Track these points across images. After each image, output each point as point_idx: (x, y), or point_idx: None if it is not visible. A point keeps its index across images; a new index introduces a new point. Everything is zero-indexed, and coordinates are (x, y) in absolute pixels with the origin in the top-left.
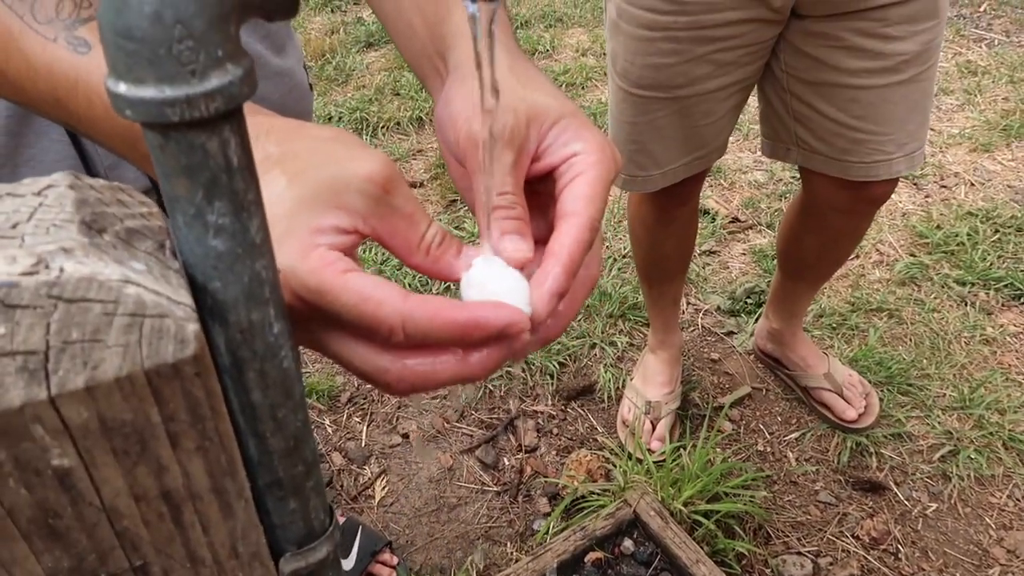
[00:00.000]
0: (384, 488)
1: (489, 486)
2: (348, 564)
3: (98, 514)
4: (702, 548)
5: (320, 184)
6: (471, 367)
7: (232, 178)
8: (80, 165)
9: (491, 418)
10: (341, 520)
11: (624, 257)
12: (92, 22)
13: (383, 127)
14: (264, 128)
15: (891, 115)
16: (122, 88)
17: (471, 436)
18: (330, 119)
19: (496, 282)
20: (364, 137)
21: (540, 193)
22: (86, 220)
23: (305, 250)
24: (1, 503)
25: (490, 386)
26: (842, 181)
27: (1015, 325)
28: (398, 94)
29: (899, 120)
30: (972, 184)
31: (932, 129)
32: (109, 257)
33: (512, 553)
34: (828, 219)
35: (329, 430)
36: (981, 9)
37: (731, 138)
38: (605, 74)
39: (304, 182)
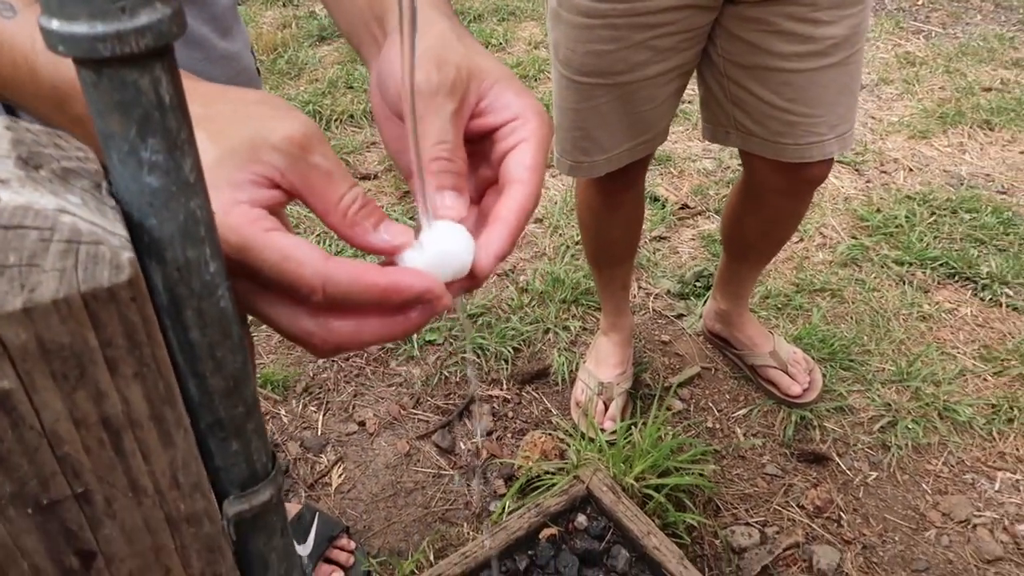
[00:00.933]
0: (341, 475)
1: (446, 470)
2: (305, 550)
3: (39, 439)
4: (653, 521)
5: (239, 141)
6: (393, 329)
7: (164, 116)
8: None
9: (447, 403)
10: (298, 507)
11: (576, 244)
12: None
13: (336, 120)
14: (188, 90)
15: (822, 97)
16: (55, 24)
17: (427, 422)
18: None
19: (444, 241)
20: None
21: (473, 151)
22: (22, 156)
23: (227, 206)
24: None
25: (445, 373)
26: (779, 163)
27: (950, 302)
28: (351, 87)
29: (830, 102)
30: (910, 169)
31: (872, 117)
32: (45, 189)
33: (469, 534)
34: (768, 201)
35: (285, 420)
36: (919, 3)
37: (680, 127)
38: None
39: (224, 139)
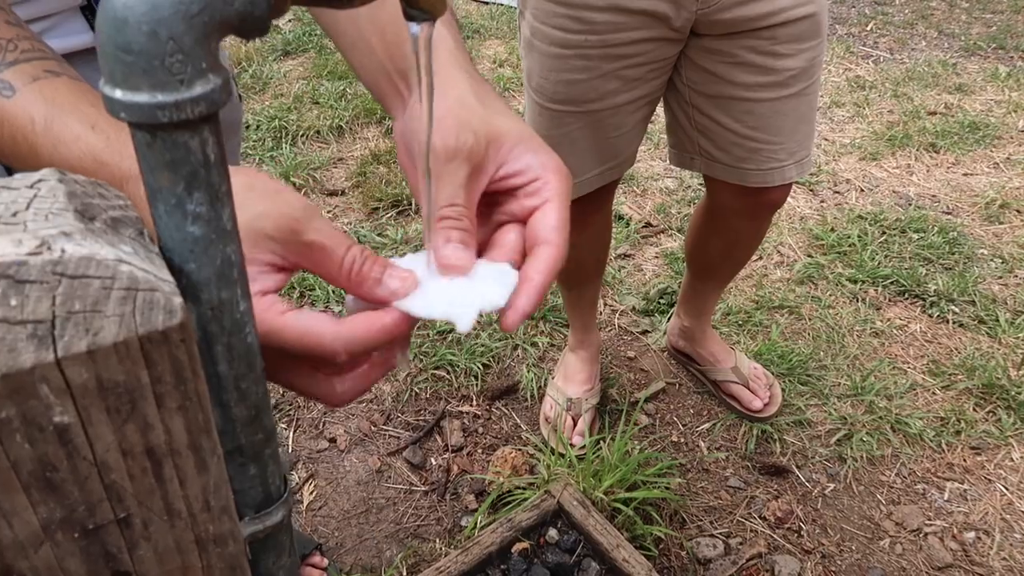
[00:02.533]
0: (312, 492)
1: (417, 486)
2: None
3: (90, 468)
4: (622, 534)
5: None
6: (392, 361)
7: (209, 171)
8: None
9: (417, 420)
10: None
11: None
12: (17, 66)
13: (303, 136)
14: None
15: (782, 126)
16: (118, 94)
17: (398, 438)
18: (248, 127)
19: (483, 279)
20: (284, 146)
21: (494, 203)
22: (79, 209)
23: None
24: (7, 456)
25: (416, 389)
26: (741, 187)
27: (900, 319)
28: (317, 103)
29: (789, 130)
30: (862, 190)
31: (826, 139)
32: (103, 240)
33: (441, 549)
34: (730, 223)
35: None
36: (868, 28)
37: (643, 147)
38: (522, 85)
39: None
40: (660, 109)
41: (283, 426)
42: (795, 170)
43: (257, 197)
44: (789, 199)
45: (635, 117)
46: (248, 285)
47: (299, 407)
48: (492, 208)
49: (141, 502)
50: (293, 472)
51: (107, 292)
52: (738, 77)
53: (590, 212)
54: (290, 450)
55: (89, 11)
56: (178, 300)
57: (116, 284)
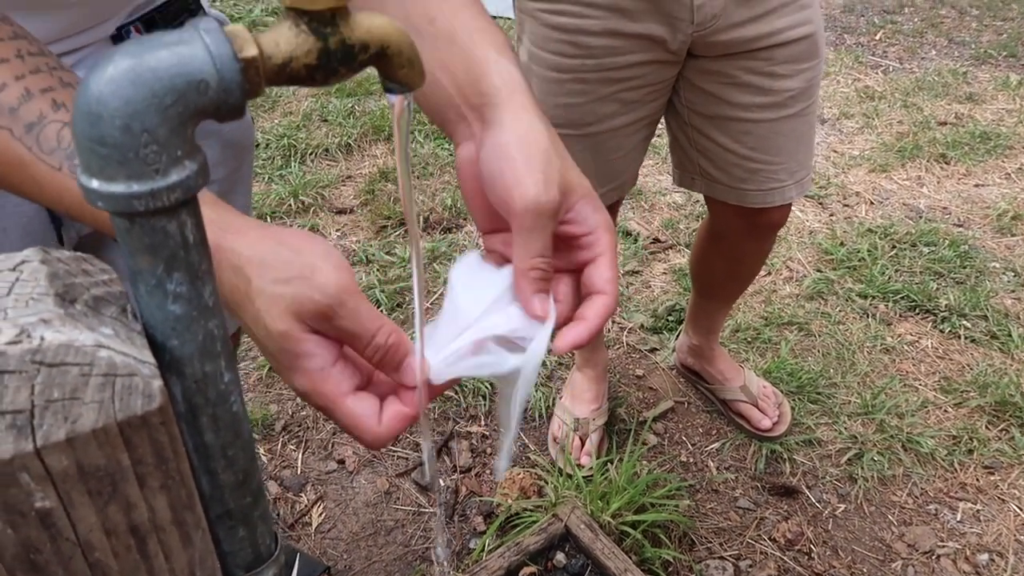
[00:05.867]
0: (321, 514)
1: (426, 507)
2: None
3: (73, 548)
4: (630, 557)
5: (278, 322)
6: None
7: (188, 253)
8: (41, 225)
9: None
10: None
11: None
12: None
13: (311, 154)
14: (235, 226)
15: (782, 146)
16: (95, 184)
17: (407, 459)
18: (258, 146)
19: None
20: (292, 164)
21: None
22: (59, 292)
23: (310, 378)
24: None
25: (424, 410)
26: (742, 208)
27: (911, 335)
28: (326, 120)
29: (789, 150)
30: (871, 203)
31: (835, 151)
32: (83, 324)
33: (449, 572)
34: (733, 243)
35: (264, 459)
36: (877, 38)
37: (651, 162)
38: None
39: (276, 314)
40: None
41: (292, 447)
42: (795, 190)
43: (295, 282)
44: (798, 212)
45: (634, 139)
46: (234, 358)
47: (308, 428)
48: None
49: None
50: (301, 494)
51: (86, 379)
52: (736, 98)
53: None
54: (299, 471)
55: (120, 41)
56: (157, 383)
57: (95, 370)
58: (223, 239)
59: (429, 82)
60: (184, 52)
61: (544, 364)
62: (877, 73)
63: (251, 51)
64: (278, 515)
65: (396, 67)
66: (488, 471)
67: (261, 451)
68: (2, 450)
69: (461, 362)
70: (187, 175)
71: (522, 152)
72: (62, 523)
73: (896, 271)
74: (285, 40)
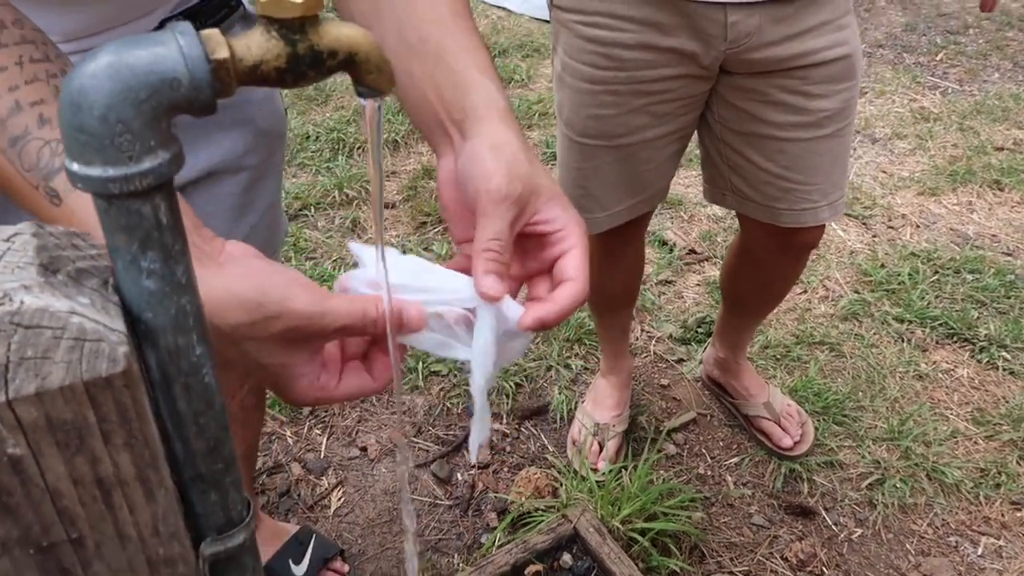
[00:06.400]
0: (340, 499)
1: (441, 500)
2: (300, 570)
3: (42, 494)
4: (637, 564)
5: (267, 358)
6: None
7: (162, 233)
8: None
9: (447, 434)
10: (295, 528)
11: None
12: (63, 172)
13: (359, 148)
14: (209, 256)
15: (816, 166)
16: (76, 167)
17: (427, 451)
18: (308, 138)
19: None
20: (340, 158)
21: (526, 246)
22: (43, 263)
23: (305, 392)
24: None
25: (448, 403)
26: (774, 227)
27: (947, 362)
28: None
29: (824, 171)
30: (917, 226)
31: (883, 171)
32: (60, 293)
33: (459, 564)
34: (763, 261)
35: (290, 441)
36: (938, 58)
37: (693, 171)
38: None
39: (268, 352)
40: None
41: (317, 432)
42: (828, 212)
43: (271, 321)
44: (840, 232)
45: (665, 152)
46: (206, 332)
47: (334, 414)
48: (524, 250)
49: (93, 526)
50: (322, 477)
51: (57, 341)
52: (770, 116)
53: (620, 244)
54: (322, 455)
55: None
56: (122, 349)
57: (66, 334)
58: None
59: (419, 98)
60: (159, 52)
61: (568, 367)
62: (935, 94)
63: (222, 53)
64: (299, 496)
65: (365, 72)
66: (505, 468)
67: (287, 434)
68: None
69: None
70: (159, 163)
71: (491, 153)
72: (32, 470)
73: (936, 297)
74: (256, 44)
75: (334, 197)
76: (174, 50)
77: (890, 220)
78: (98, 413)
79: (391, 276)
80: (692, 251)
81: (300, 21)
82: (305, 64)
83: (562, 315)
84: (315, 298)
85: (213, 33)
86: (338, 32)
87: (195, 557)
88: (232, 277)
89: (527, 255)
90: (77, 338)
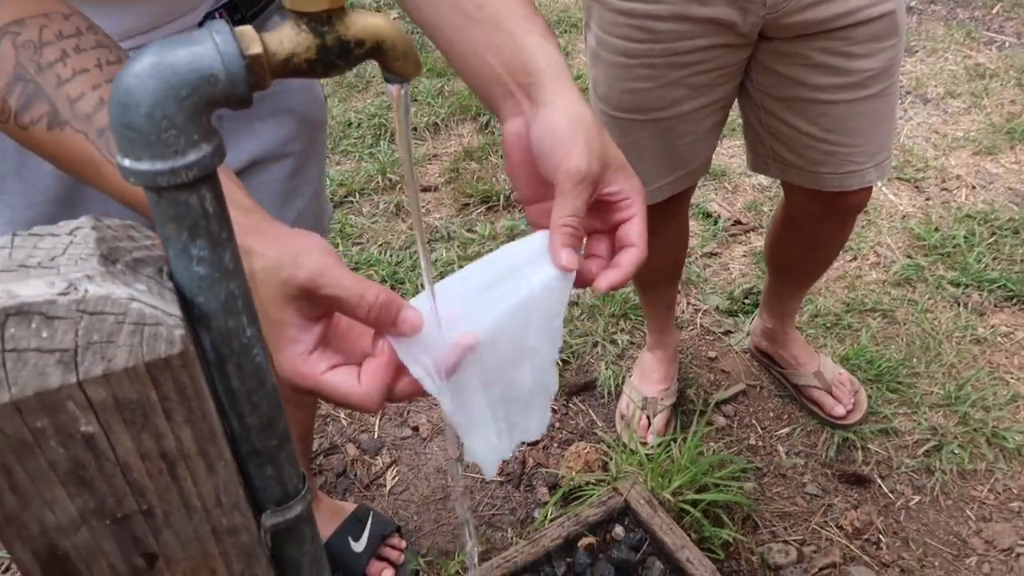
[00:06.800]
0: (395, 477)
1: (493, 476)
2: (359, 546)
3: (114, 468)
4: (689, 535)
5: (279, 305)
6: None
7: (209, 222)
8: None
9: None
10: (353, 507)
11: None
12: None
13: None
14: (258, 228)
15: (860, 128)
16: (127, 162)
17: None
18: (350, 125)
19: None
20: (382, 143)
21: (591, 208)
22: (104, 253)
23: (295, 361)
24: (44, 457)
25: None
26: (818, 192)
27: (1006, 326)
28: (415, 100)
29: (868, 132)
30: (973, 187)
31: (936, 132)
32: (120, 281)
33: (512, 539)
34: (808, 228)
35: (344, 423)
36: (994, 11)
37: (738, 143)
38: None
39: (270, 306)
40: None
41: (371, 414)
42: (875, 173)
43: (285, 265)
44: (891, 196)
45: (705, 124)
46: (255, 315)
47: None
48: (589, 212)
49: (160, 497)
50: (377, 457)
51: (119, 326)
52: (811, 79)
53: (662, 220)
54: (376, 436)
55: None
56: (179, 332)
57: (127, 319)
58: (244, 240)
59: (477, 62)
60: (197, 51)
61: (615, 343)
62: (991, 49)
63: (256, 49)
64: (355, 475)
65: (392, 60)
66: (555, 444)
67: (342, 415)
68: (51, 380)
69: (473, 300)
70: (203, 156)
71: (571, 129)
72: (103, 446)
73: (994, 259)
74: (287, 38)
75: (378, 182)
76: (211, 48)
77: (944, 182)
78: (159, 392)
79: (444, 304)
80: (737, 222)
81: (327, 13)
82: (334, 54)
83: (627, 278)
84: (327, 261)
85: (247, 30)
86: (364, 22)
87: (256, 527)
88: (289, 234)
89: (590, 214)
90: (137, 323)
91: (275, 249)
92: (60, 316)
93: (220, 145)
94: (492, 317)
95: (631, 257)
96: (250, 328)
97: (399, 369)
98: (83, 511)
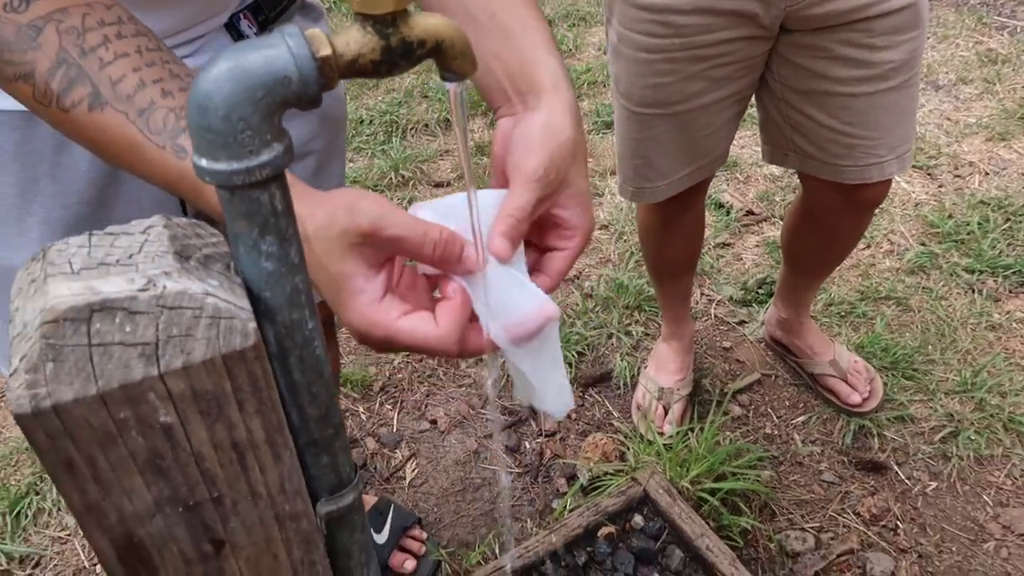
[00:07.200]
0: (414, 470)
1: (511, 468)
2: (381, 539)
3: (188, 457)
4: (708, 523)
5: (339, 259)
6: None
7: (278, 219)
8: (169, 198)
9: (513, 405)
10: (374, 500)
11: (640, 252)
12: (186, 132)
13: (412, 129)
14: (299, 194)
15: (881, 120)
16: (204, 163)
17: (495, 422)
18: (362, 122)
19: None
20: (394, 140)
21: (540, 228)
22: (177, 251)
23: (366, 309)
24: (126, 446)
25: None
26: (837, 184)
27: (1022, 311)
28: (426, 97)
29: (889, 124)
30: (987, 173)
31: (948, 119)
32: (195, 277)
33: (532, 529)
34: (826, 220)
35: (363, 417)
36: None
37: (749, 133)
38: None
39: (331, 258)
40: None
41: (388, 407)
42: (896, 165)
43: (340, 217)
44: (903, 184)
45: (724, 116)
46: (316, 309)
47: (403, 389)
48: (534, 225)
49: (230, 485)
50: (396, 450)
51: (197, 320)
52: (833, 72)
53: (680, 212)
54: (394, 429)
55: (232, 29)
56: (252, 325)
57: (204, 313)
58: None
59: (483, 69)
60: (271, 54)
61: (630, 334)
62: (1003, 35)
63: (326, 51)
64: (375, 469)
65: (450, 59)
66: (572, 435)
67: (360, 410)
68: (135, 373)
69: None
70: (275, 155)
71: (543, 136)
72: (180, 436)
73: (1009, 245)
74: (354, 40)
75: (391, 179)
76: (284, 51)
77: (956, 169)
78: (234, 383)
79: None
80: (750, 212)
81: (392, 16)
82: (398, 55)
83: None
84: (384, 204)
85: (317, 33)
86: (426, 23)
87: (314, 515)
88: (331, 195)
89: (534, 227)
90: (213, 316)
91: (323, 207)
92: (141, 311)
93: (290, 145)
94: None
95: (540, 284)
96: (311, 321)
97: (474, 315)
98: (158, 499)
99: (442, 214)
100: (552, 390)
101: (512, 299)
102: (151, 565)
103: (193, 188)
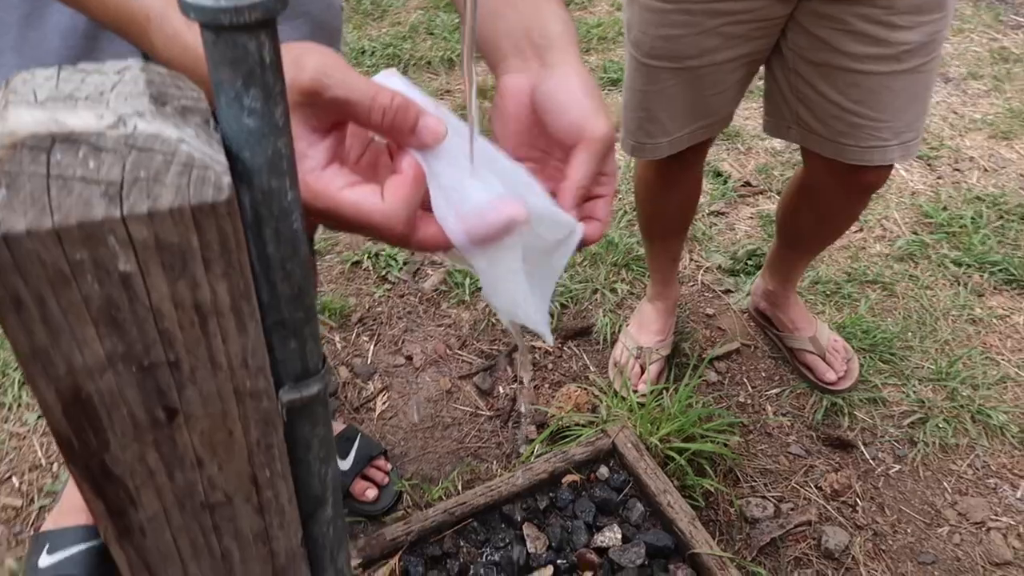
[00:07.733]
0: (385, 403)
1: (483, 411)
2: (345, 464)
3: (147, 312)
4: (672, 481)
5: None
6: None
7: (264, 72)
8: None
9: (491, 348)
10: (343, 427)
11: (633, 211)
12: None
13: (414, 65)
14: None
15: (890, 103)
16: None
17: (470, 364)
18: (363, 53)
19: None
20: None
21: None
22: (153, 95)
23: (308, 176)
24: (79, 291)
25: (492, 319)
26: (837, 164)
27: (1003, 308)
28: (432, 33)
29: (898, 108)
30: (985, 170)
31: (954, 112)
32: (170, 123)
33: (497, 471)
34: (823, 198)
35: (339, 346)
36: None
37: (754, 103)
38: None
39: None
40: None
41: (365, 339)
42: (899, 152)
43: (287, 68)
44: (902, 172)
45: (733, 76)
46: (297, 178)
47: (381, 323)
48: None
49: (189, 350)
50: (369, 382)
51: (167, 165)
52: (847, 46)
53: (679, 170)
54: (369, 361)
55: None
56: (227, 179)
57: (176, 159)
58: None
59: (493, 13)
60: None
61: (614, 291)
62: (1017, 34)
63: None
64: (346, 398)
65: None
66: (547, 385)
67: (336, 339)
68: (96, 211)
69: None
70: None
71: (589, 95)
72: (139, 287)
73: (999, 242)
74: None
75: None
76: None
77: (956, 162)
78: (201, 239)
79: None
80: (747, 183)
81: None
82: None
83: (594, 243)
84: (331, 60)
85: None
86: None
87: (276, 398)
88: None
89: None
90: (186, 164)
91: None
92: (108, 148)
93: None
94: (532, 203)
95: (594, 230)
96: (291, 191)
97: (426, 193)
98: (111, 354)
99: (413, 93)
100: (522, 309)
101: (474, 187)
102: (98, 425)
103: (166, 29)
